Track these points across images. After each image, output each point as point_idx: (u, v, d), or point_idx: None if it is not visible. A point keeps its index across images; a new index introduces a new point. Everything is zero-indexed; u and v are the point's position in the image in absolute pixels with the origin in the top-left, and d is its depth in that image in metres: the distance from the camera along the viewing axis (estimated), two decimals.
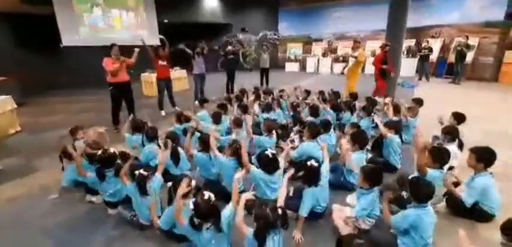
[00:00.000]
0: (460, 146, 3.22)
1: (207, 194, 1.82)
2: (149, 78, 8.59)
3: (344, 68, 7.65)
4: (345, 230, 2.20)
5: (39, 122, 6.10)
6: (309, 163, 2.32)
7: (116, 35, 10.50)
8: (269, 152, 2.46)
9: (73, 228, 2.54)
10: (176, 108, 6.37)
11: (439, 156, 2.45)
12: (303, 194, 2.34)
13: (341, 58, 13.76)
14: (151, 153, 3.24)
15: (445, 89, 8.75)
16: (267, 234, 1.65)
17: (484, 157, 2.39)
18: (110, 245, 2.33)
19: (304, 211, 2.27)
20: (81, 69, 10.23)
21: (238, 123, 3.64)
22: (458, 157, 3.15)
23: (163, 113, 6.33)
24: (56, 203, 2.93)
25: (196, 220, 1.80)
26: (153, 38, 10.40)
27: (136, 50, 5.22)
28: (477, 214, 2.40)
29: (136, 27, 11.23)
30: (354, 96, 5.49)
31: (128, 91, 5.28)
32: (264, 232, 1.65)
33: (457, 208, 2.49)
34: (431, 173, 2.36)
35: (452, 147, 3.19)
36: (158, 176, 2.45)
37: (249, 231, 1.74)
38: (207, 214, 1.78)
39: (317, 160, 2.40)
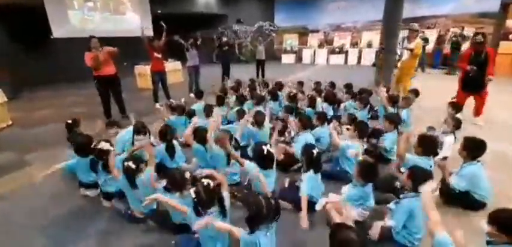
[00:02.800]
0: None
1: (206, 181, 1.82)
2: (143, 70, 8.47)
3: (398, 61, 6.51)
4: (337, 219, 2.19)
5: (31, 116, 6.00)
6: (314, 151, 2.38)
7: (107, 26, 10.32)
8: (265, 148, 2.42)
9: (67, 224, 2.51)
10: (171, 100, 6.31)
11: (428, 146, 2.53)
12: (302, 177, 2.39)
13: (337, 49, 13.73)
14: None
15: (440, 79, 8.79)
16: (258, 219, 1.60)
17: (474, 148, 2.43)
18: (105, 239, 2.30)
19: (304, 192, 2.28)
20: (72, 62, 9.95)
21: (241, 114, 3.70)
22: (452, 148, 3.19)
23: (158, 105, 6.26)
24: (48, 198, 2.89)
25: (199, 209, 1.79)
26: (146, 29, 10.23)
27: (111, 48, 4.90)
28: (469, 202, 2.44)
29: (129, 17, 11.03)
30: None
31: (114, 84, 5.14)
32: (255, 218, 1.60)
33: (449, 197, 2.52)
34: (413, 159, 2.44)
35: (449, 138, 3.24)
36: (150, 170, 2.42)
37: (240, 231, 1.70)
38: (209, 200, 1.79)
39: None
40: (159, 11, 11.54)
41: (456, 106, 3.78)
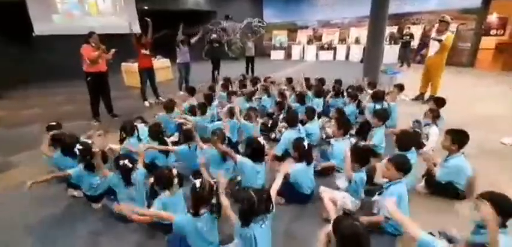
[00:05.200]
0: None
1: (212, 181, 1.87)
2: (130, 68, 8.30)
3: (425, 55, 6.05)
4: (333, 212, 2.25)
5: (16, 116, 5.79)
6: (304, 143, 2.47)
7: (92, 23, 10.01)
8: (259, 139, 2.49)
9: (55, 224, 2.47)
10: (160, 98, 6.24)
11: (404, 142, 2.66)
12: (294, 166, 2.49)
13: (326, 45, 13.84)
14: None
15: None
16: (251, 214, 1.64)
17: (458, 139, 2.53)
18: (95, 239, 2.28)
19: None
20: (58, 61, 9.68)
21: (231, 112, 3.69)
22: (436, 140, 3.31)
23: (146, 103, 6.18)
24: (36, 199, 2.81)
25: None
26: (132, 25, 10.02)
27: (113, 50, 4.91)
28: (452, 192, 2.54)
29: (114, 14, 10.75)
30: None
31: (105, 82, 5.04)
32: (248, 212, 1.64)
33: (434, 188, 2.62)
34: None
35: (434, 130, 3.37)
36: (141, 168, 2.42)
37: (236, 218, 1.75)
38: (207, 199, 1.80)
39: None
40: (146, 7, 11.29)
41: (439, 101, 3.91)
